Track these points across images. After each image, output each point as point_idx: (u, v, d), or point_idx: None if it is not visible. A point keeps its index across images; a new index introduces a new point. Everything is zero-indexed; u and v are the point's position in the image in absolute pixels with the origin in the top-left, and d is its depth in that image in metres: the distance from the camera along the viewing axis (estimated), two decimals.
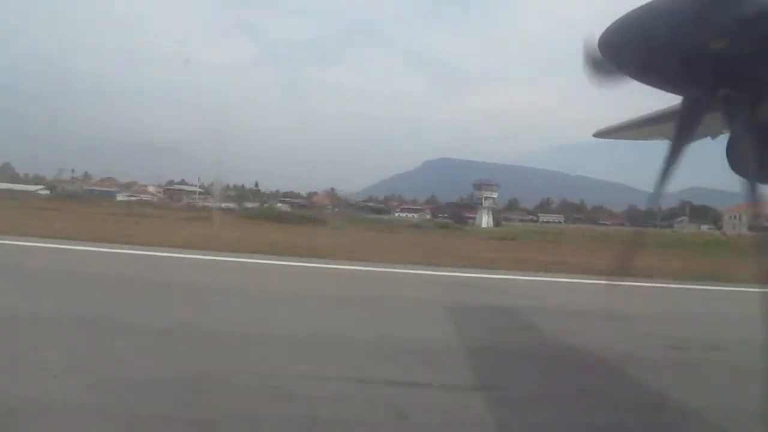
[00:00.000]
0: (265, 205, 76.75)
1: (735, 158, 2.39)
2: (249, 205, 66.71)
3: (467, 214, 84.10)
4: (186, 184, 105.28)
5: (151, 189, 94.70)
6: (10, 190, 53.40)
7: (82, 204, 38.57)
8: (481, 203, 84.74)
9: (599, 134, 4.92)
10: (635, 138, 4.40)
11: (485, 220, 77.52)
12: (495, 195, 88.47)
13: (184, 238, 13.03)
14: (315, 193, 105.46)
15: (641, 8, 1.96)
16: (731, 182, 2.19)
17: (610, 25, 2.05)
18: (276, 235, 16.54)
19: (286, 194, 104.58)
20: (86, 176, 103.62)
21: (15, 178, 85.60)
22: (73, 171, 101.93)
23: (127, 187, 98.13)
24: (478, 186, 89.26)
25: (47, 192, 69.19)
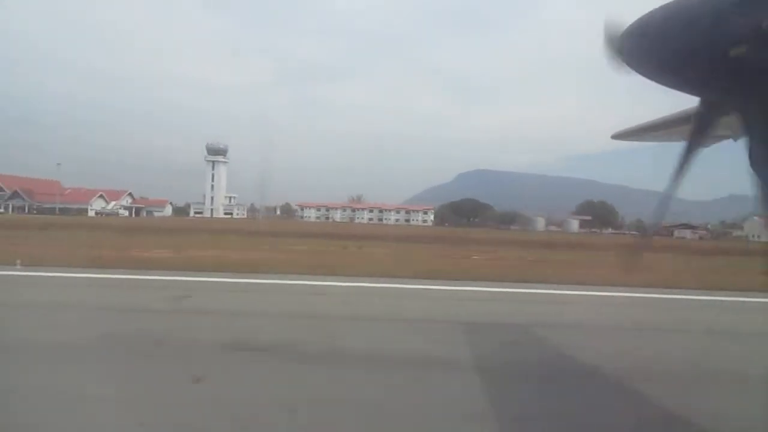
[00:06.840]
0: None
1: (754, 161, 2.37)
2: None
3: None
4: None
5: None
6: None
7: None
8: None
9: (617, 136, 4.90)
10: (653, 140, 4.38)
11: None
12: None
13: None
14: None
15: (658, 10, 1.96)
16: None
17: (628, 27, 2.06)
18: None
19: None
20: None
21: None
22: None
23: None
24: None
25: None
